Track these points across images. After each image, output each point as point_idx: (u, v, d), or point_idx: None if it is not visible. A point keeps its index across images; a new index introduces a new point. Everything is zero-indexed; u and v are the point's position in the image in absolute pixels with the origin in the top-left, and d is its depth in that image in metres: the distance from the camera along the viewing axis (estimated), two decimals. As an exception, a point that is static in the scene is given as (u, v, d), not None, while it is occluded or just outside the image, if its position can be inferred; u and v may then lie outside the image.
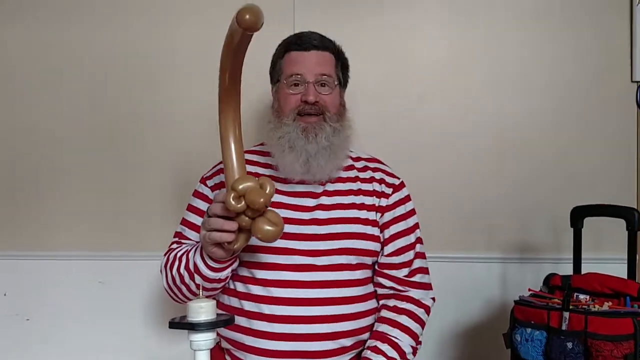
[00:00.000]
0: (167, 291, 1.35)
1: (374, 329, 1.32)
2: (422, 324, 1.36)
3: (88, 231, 1.88)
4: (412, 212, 1.44)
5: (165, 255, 1.36)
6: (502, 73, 1.81)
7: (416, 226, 1.43)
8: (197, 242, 1.32)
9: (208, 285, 1.25)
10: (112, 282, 1.87)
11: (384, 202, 1.39)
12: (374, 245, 1.36)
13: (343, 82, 1.42)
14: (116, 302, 1.86)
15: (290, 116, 1.32)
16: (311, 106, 1.32)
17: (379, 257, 1.38)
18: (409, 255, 1.38)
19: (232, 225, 1.11)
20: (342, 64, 1.41)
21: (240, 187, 1.08)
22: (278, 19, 1.82)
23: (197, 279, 1.24)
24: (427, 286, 1.40)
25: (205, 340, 0.96)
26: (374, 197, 1.39)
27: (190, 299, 1.24)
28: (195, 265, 1.23)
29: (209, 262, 1.21)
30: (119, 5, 1.89)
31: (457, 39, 1.83)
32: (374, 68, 1.76)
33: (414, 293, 1.36)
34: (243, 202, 1.08)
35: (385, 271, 1.36)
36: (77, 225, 1.89)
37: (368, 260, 1.36)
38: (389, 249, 1.37)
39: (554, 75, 1.81)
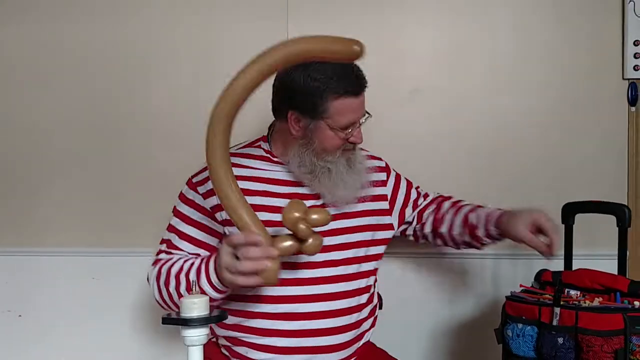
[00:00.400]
0: (158, 303, 1.32)
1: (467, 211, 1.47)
2: None
3: (81, 227, 1.88)
4: (407, 183, 1.54)
5: (154, 265, 1.32)
6: (495, 71, 1.82)
7: (417, 188, 1.56)
8: (191, 255, 1.30)
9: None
10: (105, 278, 1.87)
11: (384, 190, 1.45)
12: (388, 234, 1.42)
13: None
14: (109, 298, 1.86)
15: (335, 155, 1.30)
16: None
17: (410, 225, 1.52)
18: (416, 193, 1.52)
19: (273, 252, 1.10)
20: None
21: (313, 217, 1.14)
22: (271, 14, 1.82)
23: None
24: None
25: (198, 335, 0.97)
26: (381, 186, 1.44)
27: None
28: (201, 290, 1.20)
29: (218, 287, 1.19)
30: (116, 3, 1.87)
31: (450, 36, 1.83)
32: (367, 63, 1.75)
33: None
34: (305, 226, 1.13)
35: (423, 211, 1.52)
36: (70, 221, 1.88)
37: (380, 249, 1.40)
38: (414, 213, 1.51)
39: (546, 73, 1.81)
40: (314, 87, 1.24)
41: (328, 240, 1.28)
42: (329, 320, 1.28)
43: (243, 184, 1.26)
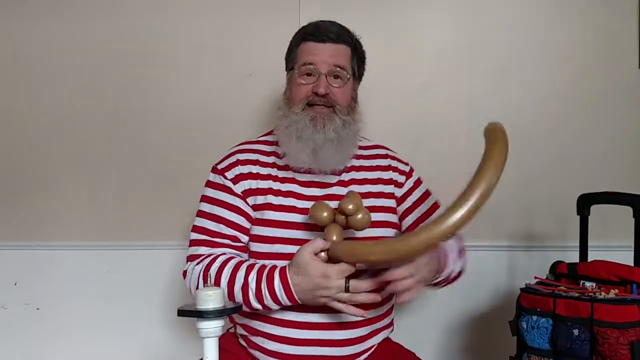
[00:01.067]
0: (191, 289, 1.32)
1: None
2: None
3: (98, 221, 1.90)
4: (427, 194, 1.45)
5: (196, 262, 1.29)
6: (507, 61, 1.81)
7: (436, 205, 1.45)
8: (235, 253, 1.31)
9: (262, 311, 1.26)
10: (120, 272, 1.89)
11: (398, 191, 1.41)
12: (392, 232, 1.38)
13: (358, 75, 1.40)
14: (125, 291, 1.87)
15: (299, 105, 1.31)
16: (321, 98, 1.31)
17: None
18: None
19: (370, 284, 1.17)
20: (358, 57, 1.39)
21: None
22: (283, 6, 1.82)
23: (257, 304, 1.23)
24: None
25: (213, 327, 0.97)
26: (392, 185, 1.41)
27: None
28: (264, 305, 1.22)
29: (286, 303, 1.21)
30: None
31: (461, 28, 1.82)
32: (377, 57, 1.75)
33: None
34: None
35: None
36: (86, 215, 1.90)
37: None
38: None
39: (560, 64, 1.80)
40: (291, 43, 1.39)
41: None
42: (342, 314, 1.28)
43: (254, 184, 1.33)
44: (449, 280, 1.34)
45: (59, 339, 1.90)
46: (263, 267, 1.23)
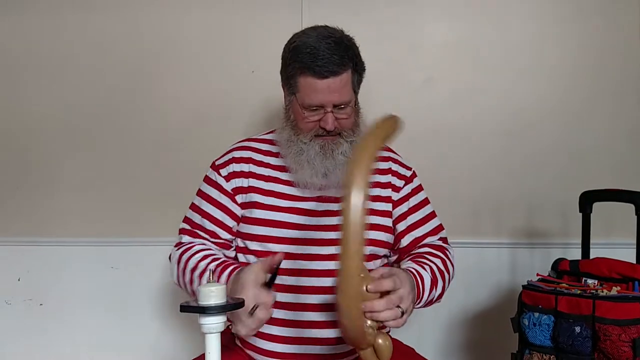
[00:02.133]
0: (178, 285, 1.35)
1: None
2: (449, 272, 1.36)
3: (101, 218, 1.91)
4: (425, 202, 1.44)
5: (177, 247, 1.33)
6: (509, 56, 1.81)
7: (432, 215, 1.43)
8: (212, 245, 1.33)
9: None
10: (124, 268, 1.90)
11: (395, 195, 1.40)
12: (386, 237, 1.36)
13: (358, 87, 1.36)
14: (128, 286, 1.88)
15: (307, 136, 1.30)
16: (329, 131, 1.30)
17: (396, 247, 1.38)
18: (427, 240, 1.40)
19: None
20: (358, 73, 1.33)
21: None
22: (286, 2, 1.82)
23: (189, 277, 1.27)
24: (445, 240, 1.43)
25: (215, 323, 0.97)
26: (389, 189, 1.39)
27: None
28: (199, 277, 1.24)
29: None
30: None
31: (463, 22, 1.82)
32: (380, 51, 1.76)
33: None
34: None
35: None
36: (90, 211, 1.91)
37: (380, 251, 1.36)
38: (406, 240, 1.38)
39: (562, 60, 1.80)
40: (288, 63, 1.29)
41: (324, 235, 1.30)
42: (332, 313, 1.28)
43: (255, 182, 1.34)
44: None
45: (62, 334, 1.91)
46: (224, 262, 1.25)
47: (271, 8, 1.84)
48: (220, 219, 1.34)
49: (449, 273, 1.35)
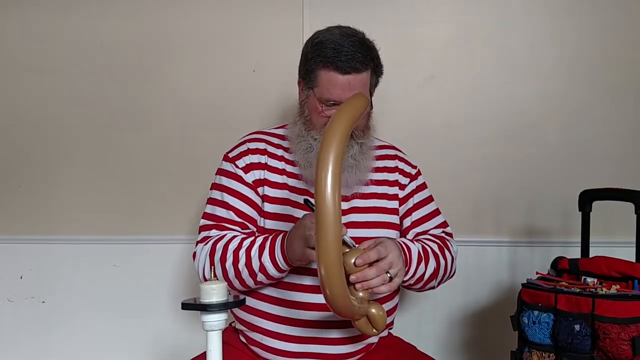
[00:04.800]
0: (206, 272, 1.31)
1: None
2: (445, 257, 1.37)
3: (103, 215, 1.91)
4: (429, 199, 1.45)
5: (204, 242, 1.31)
6: (510, 55, 1.81)
7: (436, 212, 1.44)
8: (245, 232, 1.31)
9: (266, 281, 1.26)
10: (126, 265, 1.90)
11: (401, 193, 1.41)
12: (394, 234, 1.37)
13: (374, 90, 1.38)
14: (130, 284, 1.89)
15: (320, 132, 1.29)
16: None
17: None
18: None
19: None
20: (376, 74, 1.34)
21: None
22: (287, 6, 1.83)
23: (260, 277, 1.24)
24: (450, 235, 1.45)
25: (217, 320, 0.98)
26: (396, 187, 1.41)
27: (236, 289, 1.27)
28: (262, 265, 1.22)
29: (282, 267, 1.21)
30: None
31: (464, 21, 1.82)
32: (381, 51, 1.76)
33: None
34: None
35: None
36: (91, 209, 1.92)
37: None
38: (410, 236, 1.39)
39: (562, 59, 1.80)
40: (308, 55, 1.30)
41: None
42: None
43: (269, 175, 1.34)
44: (418, 281, 1.32)
45: (64, 332, 1.92)
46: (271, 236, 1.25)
47: (272, 8, 1.84)
48: (247, 212, 1.33)
49: (445, 260, 1.36)
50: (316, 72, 1.28)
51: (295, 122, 1.35)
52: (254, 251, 1.23)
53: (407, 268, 1.24)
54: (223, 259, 1.25)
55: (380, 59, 1.33)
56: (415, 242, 1.33)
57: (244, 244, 1.25)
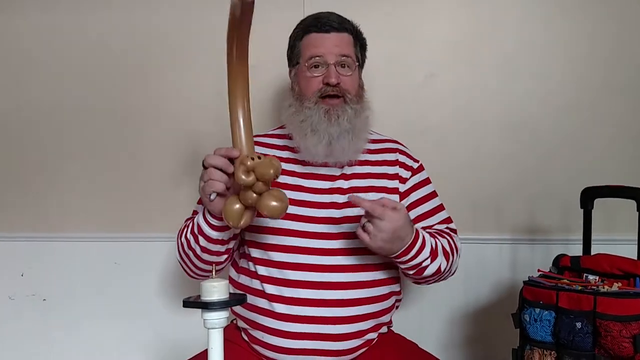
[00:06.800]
0: (179, 263, 1.37)
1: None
2: (453, 255, 1.38)
3: (104, 213, 1.91)
4: (433, 194, 1.45)
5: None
6: (511, 54, 1.80)
7: (440, 207, 1.44)
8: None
9: (212, 247, 1.26)
10: (127, 263, 1.90)
11: (402, 187, 1.41)
12: None
13: (361, 63, 1.42)
14: (132, 282, 1.89)
15: (312, 99, 1.32)
16: (333, 88, 1.32)
17: None
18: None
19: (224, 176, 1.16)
20: (360, 44, 1.41)
21: (249, 162, 1.10)
22: (288, 3, 1.82)
23: (201, 240, 1.25)
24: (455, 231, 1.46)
25: (218, 319, 0.98)
26: (397, 180, 1.40)
27: (200, 269, 1.29)
28: (199, 226, 1.25)
29: (210, 221, 1.22)
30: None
31: (466, 18, 1.82)
32: (381, 47, 1.76)
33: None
34: (253, 176, 1.11)
35: None
36: (93, 207, 1.91)
37: None
38: None
39: (564, 55, 1.79)
40: (292, 39, 1.41)
41: (337, 228, 1.31)
42: (343, 309, 1.29)
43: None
44: (419, 272, 1.32)
45: (65, 329, 1.92)
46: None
47: (273, 4, 1.83)
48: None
49: (452, 256, 1.37)
50: (299, 42, 1.36)
51: (290, 105, 1.37)
52: (197, 217, 1.27)
53: (408, 251, 1.25)
54: (180, 234, 1.32)
55: (362, 34, 1.42)
56: (430, 233, 1.33)
57: (189, 224, 1.30)
